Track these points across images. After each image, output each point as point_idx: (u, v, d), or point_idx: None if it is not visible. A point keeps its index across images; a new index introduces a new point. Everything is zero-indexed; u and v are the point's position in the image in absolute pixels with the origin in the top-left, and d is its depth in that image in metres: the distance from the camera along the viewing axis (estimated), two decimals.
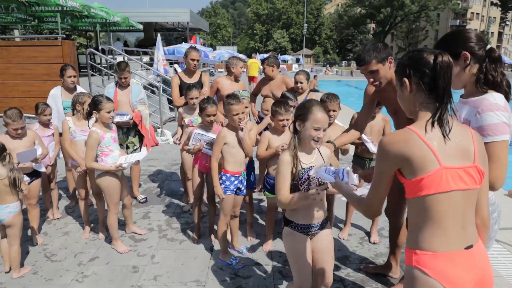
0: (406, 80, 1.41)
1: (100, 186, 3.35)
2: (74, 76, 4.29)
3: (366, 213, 1.56)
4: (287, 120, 3.08)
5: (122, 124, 4.25)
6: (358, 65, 2.56)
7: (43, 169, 3.49)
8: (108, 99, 3.28)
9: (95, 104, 3.21)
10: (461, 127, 1.39)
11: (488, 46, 1.74)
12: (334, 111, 3.32)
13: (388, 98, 2.60)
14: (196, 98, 3.82)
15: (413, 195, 1.36)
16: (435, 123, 1.33)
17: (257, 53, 34.15)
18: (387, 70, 2.48)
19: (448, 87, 1.35)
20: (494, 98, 1.66)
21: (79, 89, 4.48)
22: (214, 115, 3.31)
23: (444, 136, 1.32)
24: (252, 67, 16.88)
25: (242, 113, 2.98)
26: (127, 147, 4.43)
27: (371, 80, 2.51)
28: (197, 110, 3.89)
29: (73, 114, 3.67)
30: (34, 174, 3.50)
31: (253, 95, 4.98)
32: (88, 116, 3.38)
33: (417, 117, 1.41)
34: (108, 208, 3.41)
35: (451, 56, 1.62)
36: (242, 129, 2.98)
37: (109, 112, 3.23)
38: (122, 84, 4.39)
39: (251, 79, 16.73)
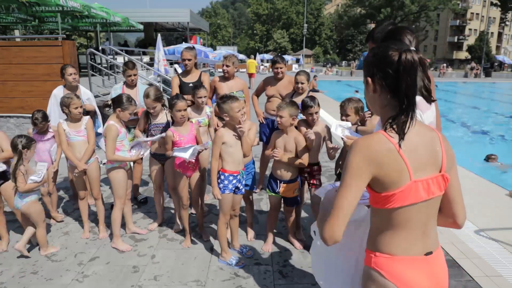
0: (369, 80, 1.32)
1: (109, 178, 3.45)
2: (75, 73, 4.31)
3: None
4: (280, 117, 3.13)
5: (128, 123, 4.27)
6: (367, 40, 2.54)
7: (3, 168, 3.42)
8: (131, 100, 3.45)
9: (120, 103, 3.37)
10: (430, 133, 1.32)
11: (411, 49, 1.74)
12: (347, 115, 3.06)
13: None
14: (205, 97, 3.82)
15: (380, 206, 1.31)
16: (395, 127, 1.23)
17: (257, 54, 34.46)
18: None
19: (413, 88, 1.23)
20: None
21: (82, 88, 4.50)
22: (185, 109, 3.36)
23: (412, 143, 1.24)
24: (250, 66, 21.03)
25: (242, 108, 3.02)
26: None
27: None
28: (205, 110, 3.91)
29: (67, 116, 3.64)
30: (1, 177, 3.43)
31: (256, 96, 4.94)
32: (104, 107, 3.57)
33: (383, 119, 1.32)
34: (114, 202, 3.49)
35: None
36: (242, 132, 3.02)
37: (130, 114, 3.45)
38: (130, 84, 4.41)
39: (250, 75, 20.48)
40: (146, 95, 3.55)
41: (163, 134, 3.47)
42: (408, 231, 1.31)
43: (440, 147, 1.31)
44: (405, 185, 1.23)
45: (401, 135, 1.21)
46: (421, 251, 1.34)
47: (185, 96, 3.85)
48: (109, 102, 3.45)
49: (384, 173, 1.22)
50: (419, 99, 1.69)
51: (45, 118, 3.83)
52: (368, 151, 1.22)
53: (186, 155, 3.17)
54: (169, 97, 5.96)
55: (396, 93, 1.24)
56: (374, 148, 1.23)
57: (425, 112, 1.73)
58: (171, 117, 3.52)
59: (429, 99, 1.68)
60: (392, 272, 1.32)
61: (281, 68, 4.48)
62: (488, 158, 7.77)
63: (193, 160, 3.37)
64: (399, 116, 1.23)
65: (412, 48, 1.48)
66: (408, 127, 1.22)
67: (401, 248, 1.32)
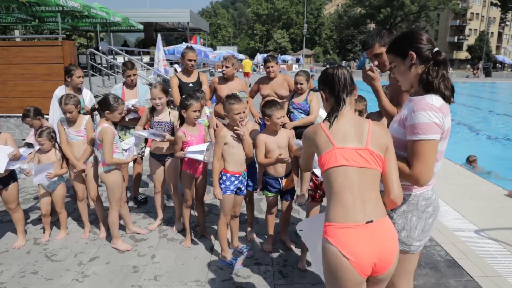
0: (322, 93, 1.84)
1: (104, 182, 3.39)
2: (83, 76, 4.33)
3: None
4: (283, 117, 3.15)
5: (129, 123, 4.25)
6: (363, 50, 2.69)
7: (17, 166, 3.39)
8: (118, 99, 3.35)
9: (107, 105, 3.27)
10: (361, 120, 1.74)
11: (435, 49, 1.76)
12: (360, 111, 3.25)
13: (392, 83, 2.66)
14: (199, 110, 3.51)
15: (322, 171, 1.71)
16: (334, 117, 1.72)
17: (258, 54, 34.56)
18: None
19: (343, 88, 1.73)
20: (432, 99, 1.72)
21: (85, 90, 4.49)
22: (199, 110, 3.37)
23: (341, 126, 1.69)
24: (246, 65, 22.01)
25: (243, 112, 2.99)
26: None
27: (376, 63, 2.58)
28: (204, 111, 3.90)
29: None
30: (10, 178, 3.44)
31: (251, 97, 4.92)
32: (91, 111, 3.56)
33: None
34: (110, 204, 3.44)
35: (400, 56, 1.85)
36: (238, 135, 3.00)
37: (120, 114, 3.38)
38: (130, 84, 4.40)
39: (245, 74, 21.25)
40: (154, 86, 3.56)
41: (163, 136, 3.45)
42: (344, 197, 1.61)
43: (367, 131, 1.68)
44: (329, 149, 1.67)
45: (330, 122, 1.73)
46: (361, 219, 1.59)
47: None
48: (96, 106, 3.39)
49: (317, 143, 1.73)
50: (441, 103, 1.72)
51: (36, 113, 3.83)
52: (306, 133, 1.83)
53: (201, 156, 3.19)
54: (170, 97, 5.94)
55: (333, 96, 1.78)
56: (309, 130, 1.82)
57: (446, 116, 1.72)
58: (180, 118, 3.48)
59: (449, 99, 1.76)
60: (336, 238, 1.59)
61: (272, 67, 4.53)
62: (469, 161, 7.53)
63: (206, 161, 3.33)
64: (330, 113, 1.77)
65: (437, 48, 1.77)
66: (334, 118, 1.72)
67: (342, 217, 1.61)
